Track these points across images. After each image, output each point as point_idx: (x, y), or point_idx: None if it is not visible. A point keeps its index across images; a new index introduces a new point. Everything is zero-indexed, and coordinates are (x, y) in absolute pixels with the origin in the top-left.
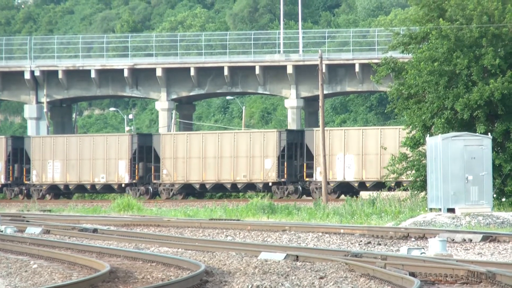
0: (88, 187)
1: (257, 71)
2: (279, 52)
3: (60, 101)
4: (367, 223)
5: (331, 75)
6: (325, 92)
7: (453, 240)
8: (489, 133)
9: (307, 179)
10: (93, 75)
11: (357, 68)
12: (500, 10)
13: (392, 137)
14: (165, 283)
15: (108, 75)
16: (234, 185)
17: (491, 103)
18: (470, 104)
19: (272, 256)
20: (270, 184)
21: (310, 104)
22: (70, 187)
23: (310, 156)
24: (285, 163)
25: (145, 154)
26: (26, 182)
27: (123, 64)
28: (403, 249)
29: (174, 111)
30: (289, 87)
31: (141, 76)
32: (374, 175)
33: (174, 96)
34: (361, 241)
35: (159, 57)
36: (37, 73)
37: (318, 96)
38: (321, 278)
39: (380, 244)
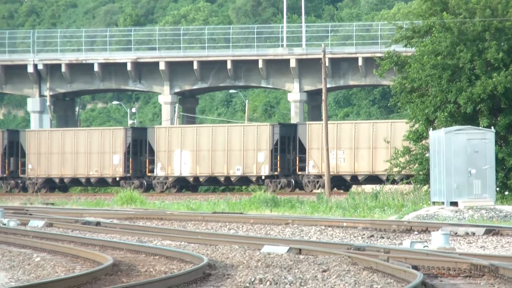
0: None
1: (260, 64)
2: (282, 45)
3: (63, 95)
4: (370, 216)
5: (334, 68)
6: (328, 85)
7: (456, 233)
8: (492, 127)
9: (149, 174)
10: (96, 68)
11: (360, 62)
12: (504, 4)
13: (236, 135)
14: (168, 276)
15: (111, 69)
16: (88, 180)
17: (494, 97)
18: (473, 98)
19: (275, 249)
20: (117, 179)
21: (313, 98)
22: None
23: (152, 153)
24: (130, 159)
25: (15, 150)
26: None
27: (126, 57)
28: (406, 243)
29: (177, 104)
30: (292, 81)
31: (144, 69)
32: (207, 171)
33: (177, 90)
34: (364, 234)
35: (162, 50)
36: (40, 67)
37: (321, 89)
38: (324, 271)
39: (383, 238)
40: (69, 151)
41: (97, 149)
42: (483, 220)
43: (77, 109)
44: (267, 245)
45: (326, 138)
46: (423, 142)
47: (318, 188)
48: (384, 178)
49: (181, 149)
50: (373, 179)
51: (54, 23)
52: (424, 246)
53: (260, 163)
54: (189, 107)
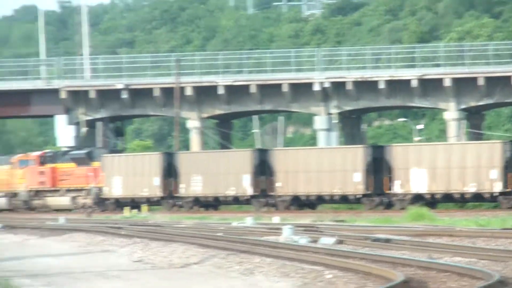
0: None
1: None
2: None
3: (349, 112)
4: None
5: None
6: None
7: None
8: None
9: (387, 191)
10: (381, 85)
11: None
12: None
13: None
14: None
15: (396, 86)
16: (331, 197)
17: None
18: None
19: None
20: (357, 196)
21: None
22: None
23: (389, 170)
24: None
25: (264, 168)
26: None
27: (411, 74)
28: None
29: (463, 121)
30: None
31: (429, 86)
32: (443, 187)
33: (463, 106)
34: None
35: (447, 67)
36: (326, 85)
37: None
38: None
39: None
40: (314, 169)
41: (340, 167)
42: None
43: (363, 126)
44: None
45: None
46: None
47: None
48: None
49: (417, 167)
50: None
51: (339, 41)
52: None
53: (493, 180)
54: (475, 123)
